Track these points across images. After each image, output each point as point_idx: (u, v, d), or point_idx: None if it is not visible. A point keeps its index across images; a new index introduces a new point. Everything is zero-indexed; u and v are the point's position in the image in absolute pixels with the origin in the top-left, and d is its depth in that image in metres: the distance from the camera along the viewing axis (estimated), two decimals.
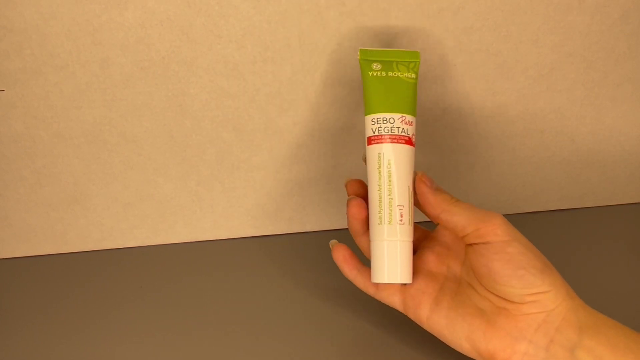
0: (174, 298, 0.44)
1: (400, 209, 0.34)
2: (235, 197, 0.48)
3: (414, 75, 0.36)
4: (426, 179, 0.35)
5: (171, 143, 0.44)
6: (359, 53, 0.37)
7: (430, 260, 0.37)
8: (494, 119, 0.45)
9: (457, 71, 0.42)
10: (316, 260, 0.46)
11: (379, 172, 0.35)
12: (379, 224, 0.35)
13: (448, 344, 0.35)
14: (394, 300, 0.37)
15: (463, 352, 0.34)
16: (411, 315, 0.36)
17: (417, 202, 0.36)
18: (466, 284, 0.35)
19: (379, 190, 0.35)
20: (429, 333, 0.36)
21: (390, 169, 0.35)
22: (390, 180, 0.35)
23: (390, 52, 0.36)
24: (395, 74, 0.36)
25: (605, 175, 0.49)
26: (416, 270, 0.37)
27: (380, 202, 0.35)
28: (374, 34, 0.40)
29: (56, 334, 0.42)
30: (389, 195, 0.35)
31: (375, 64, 0.36)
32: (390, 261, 0.35)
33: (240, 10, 0.38)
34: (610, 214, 0.50)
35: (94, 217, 0.47)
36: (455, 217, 0.33)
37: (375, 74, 0.36)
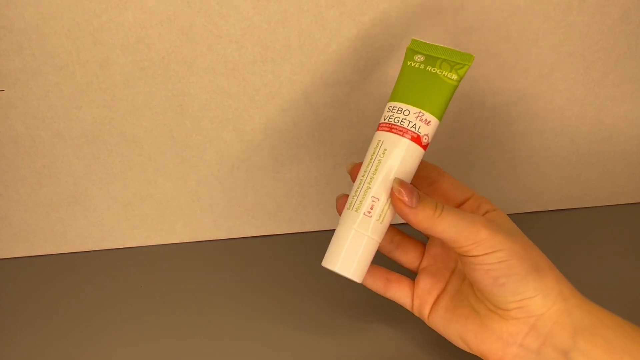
0: (174, 298, 0.44)
1: (373, 201, 0.32)
2: (235, 197, 0.48)
3: (455, 77, 0.33)
4: (404, 193, 0.31)
5: (171, 143, 0.44)
6: (410, 42, 0.34)
7: (438, 254, 0.37)
8: (494, 119, 0.45)
9: None
10: (316, 260, 0.46)
11: (370, 159, 0.33)
12: (348, 208, 0.33)
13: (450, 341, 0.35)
14: (406, 302, 0.37)
15: (463, 349, 0.35)
16: (416, 314, 0.37)
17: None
18: (467, 281, 0.35)
19: (362, 176, 0.33)
20: (429, 332, 0.36)
21: (382, 159, 0.32)
22: (376, 170, 0.32)
23: (442, 49, 0.33)
24: (434, 70, 0.33)
25: (605, 175, 0.49)
26: (425, 269, 0.37)
27: (358, 188, 0.33)
28: (374, 34, 0.40)
29: (56, 334, 0.42)
30: (369, 183, 0.32)
31: (419, 56, 0.34)
32: (349, 253, 0.33)
33: (240, 10, 0.38)
34: (610, 214, 0.50)
35: (94, 217, 0.47)
36: (440, 235, 0.32)
37: (413, 65, 0.34)
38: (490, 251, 0.31)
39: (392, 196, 0.32)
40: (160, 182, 0.46)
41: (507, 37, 0.41)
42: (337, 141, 0.45)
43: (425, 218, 0.31)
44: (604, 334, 0.31)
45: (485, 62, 0.42)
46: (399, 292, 0.37)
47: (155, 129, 0.43)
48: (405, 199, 0.31)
